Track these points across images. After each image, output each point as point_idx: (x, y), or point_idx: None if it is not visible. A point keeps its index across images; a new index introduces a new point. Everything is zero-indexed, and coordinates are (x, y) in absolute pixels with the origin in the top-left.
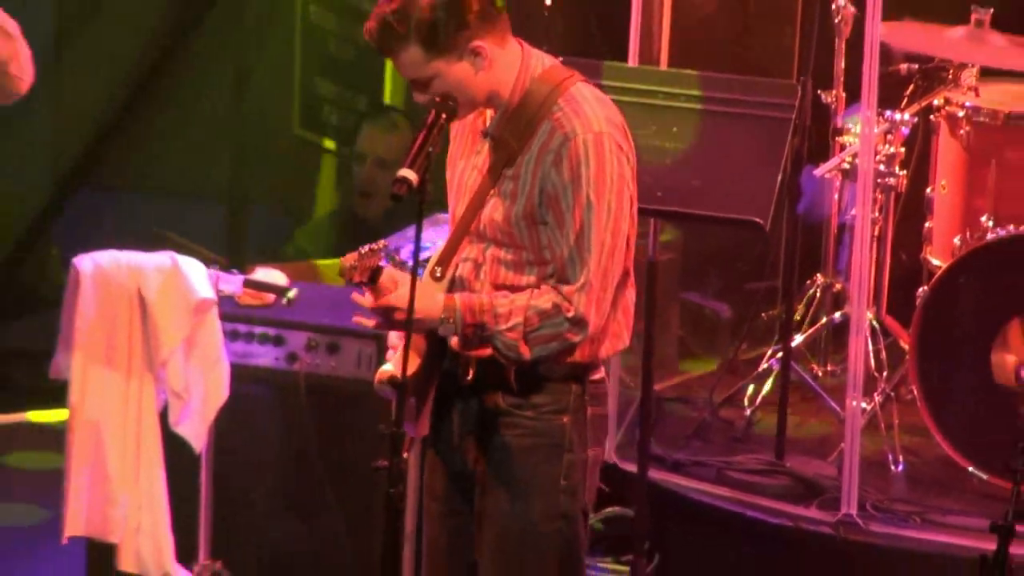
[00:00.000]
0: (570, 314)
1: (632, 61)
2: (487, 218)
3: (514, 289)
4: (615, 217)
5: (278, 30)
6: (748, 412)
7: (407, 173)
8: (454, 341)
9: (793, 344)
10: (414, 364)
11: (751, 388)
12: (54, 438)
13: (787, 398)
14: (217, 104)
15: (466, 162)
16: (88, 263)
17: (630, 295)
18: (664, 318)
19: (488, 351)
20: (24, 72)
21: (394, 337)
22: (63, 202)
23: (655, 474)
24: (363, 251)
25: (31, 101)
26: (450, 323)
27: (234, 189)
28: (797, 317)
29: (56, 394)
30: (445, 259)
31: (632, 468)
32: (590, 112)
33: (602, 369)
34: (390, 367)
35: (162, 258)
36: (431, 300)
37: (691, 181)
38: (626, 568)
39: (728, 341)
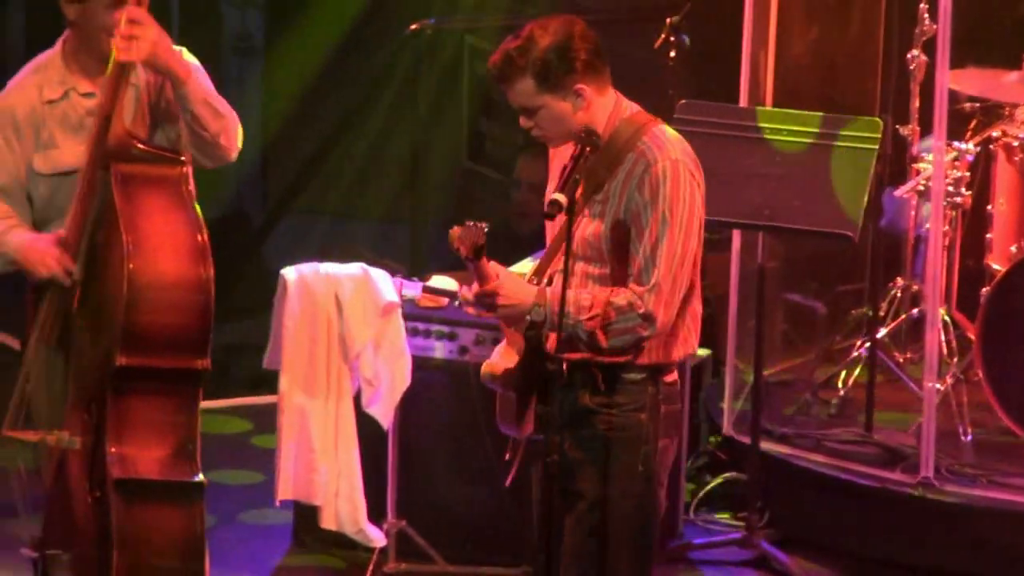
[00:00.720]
0: (641, 311)
1: (743, 103)
2: (578, 236)
3: None
4: (685, 233)
5: (450, 81)
6: (841, 393)
7: (559, 197)
8: (551, 343)
9: (878, 336)
10: (512, 360)
11: (844, 373)
12: (268, 419)
13: (874, 381)
14: (402, 141)
15: (559, 186)
16: (293, 274)
17: (697, 306)
18: (770, 315)
19: (579, 355)
20: (232, 143)
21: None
22: (273, 224)
23: (765, 445)
24: (468, 224)
25: (247, 141)
26: (541, 310)
27: (415, 211)
28: (881, 313)
29: (267, 381)
30: (540, 271)
31: (746, 440)
32: (668, 146)
33: (675, 372)
34: (495, 360)
35: (355, 269)
36: (525, 290)
37: (793, 201)
38: (742, 523)
39: (824, 334)
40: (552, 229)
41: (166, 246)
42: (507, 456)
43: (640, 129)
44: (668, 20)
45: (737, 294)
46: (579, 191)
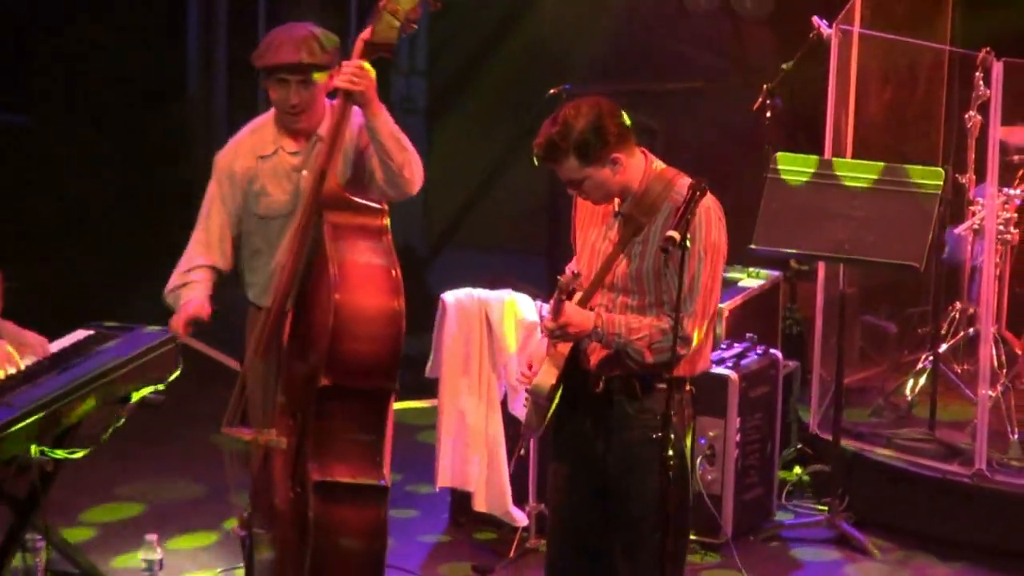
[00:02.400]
0: (681, 333)
1: (827, 155)
2: (620, 273)
3: None
4: (715, 269)
5: None
6: (909, 398)
7: (674, 233)
8: (593, 361)
9: (940, 350)
10: (553, 376)
11: (911, 382)
12: (429, 419)
13: (936, 388)
14: (540, 188)
15: (598, 233)
16: (451, 297)
17: (712, 333)
18: (850, 333)
19: (616, 371)
20: (414, 176)
21: (536, 356)
22: (435, 255)
23: (845, 441)
24: (571, 276)
25: None
26: (599, 332)
27: (550, 245)
28: (943, 332)
29: (429, 387)
30: (585, 301)
31: (828, 437)
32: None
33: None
34: (541, 378)
35: (502, 294)
36: (586, 317)
37: (868, 237)
38: (825, 507)
39: (894, 349)
40: (590, 265)
41: (366, 283)
42: (520, 452)
43: (670, 182)
44: (765, 86)
45: (822, 315)
46: (616, 234)
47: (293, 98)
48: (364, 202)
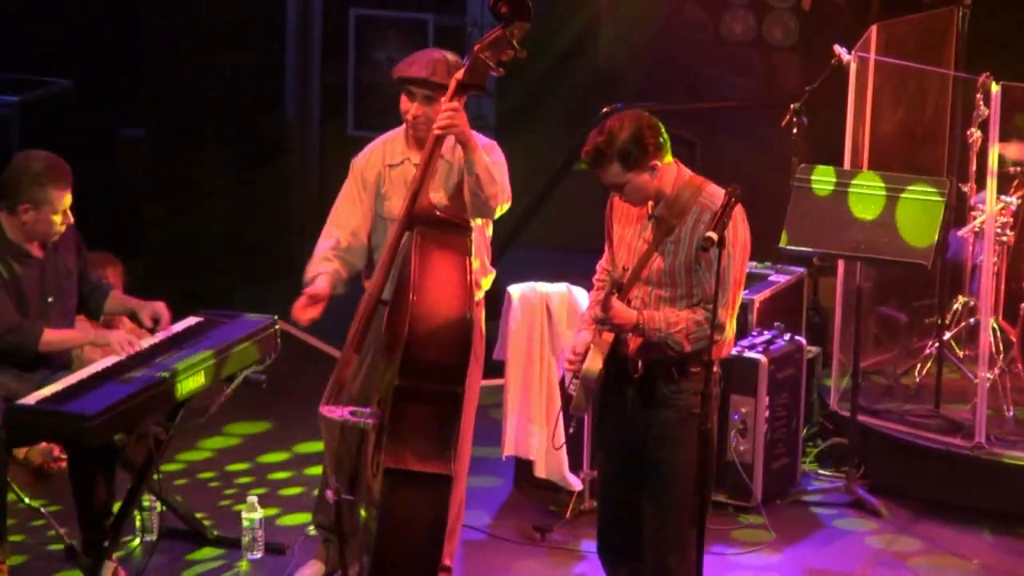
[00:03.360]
0: (716, 321)
1: (846, 165)
2: (655, 269)
3: None
4: (743, 264)
5: None
6: (917, 380)
7: (712, 234)
8: (632, 347)
9: (945, 338)
10: (599, 362)
11: (919, 365)
12: (496, 396)
13: (941, 371)
14: (593, 189)
15: (633, 232)
16: (516, 290)
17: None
18: (866, 322)
19: (654, 356)
20: (496, 206)
21: (581, 343)
22: (502, 253)
23: (861, 417)
24: (621, 271)
25: None
26: (641, 327)
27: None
28: (947, 321)
29: (497, 368)
30: (623, 294)
31: (846, 413)
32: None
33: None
34: (590, 363)
35: (560, 287)
36: (630, 314)
37: (882, 238)
38: (843, 475)
39: (905, 336)
40: (626, 262)
41: (443, 294)
42: (570, 431)
43: (699, 188)
44: (791, 106)
45: (841, 307)
46: (651, 234)
47: (415, 110)
48: (452, 221)
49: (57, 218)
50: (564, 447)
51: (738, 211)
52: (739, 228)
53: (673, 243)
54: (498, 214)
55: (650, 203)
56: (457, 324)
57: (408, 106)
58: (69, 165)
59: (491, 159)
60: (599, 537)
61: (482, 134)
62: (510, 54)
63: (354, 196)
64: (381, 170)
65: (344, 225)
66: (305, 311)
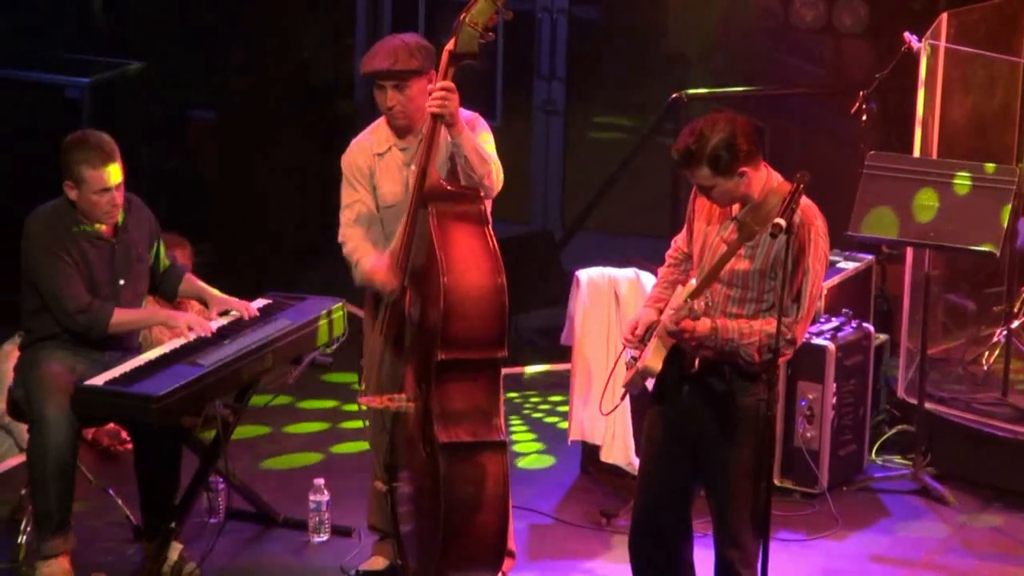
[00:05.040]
0: (788, 336)
1: (915, 154)
2: (731, 270)
3: (735, 316)
4: (819, 280)
5: None
6: (985, 367)
7: (780, 220)
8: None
9: (1013, 326)
10: (660, 359)
11: (987, 353)
12: (562, 381)
13: (1009, 359)
14: (661, 173)
15: (713, 229)
16: (584, 275)
17: None
18: (933, 309)
19: (709, 353)
20: (493, 184)
21: (643, 320)
22: (570, 237)
23: (928, 405)
24: (703, 306)
25: (551, 176)
26: (712, 337)
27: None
28: (1015, 310)
29: (563, 353)
30: (696, 294)
31: (914, 401)
32: (810, 212)
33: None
34: (651, 360)
35: (629, 272)
36: (704, 324)
37: (950, 226)
38: (910, 462)
39: (973, 324)
40: (704, 260)
41: (471, 264)
42: (617, 404)
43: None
44: (860, 93)
45: (909, 294)
46: (731, 236)
47: (389, 101)
48: (462, 191)
49: (97, 198)
50: (631, 431)
51: (817, 225)
52: (818, 245)
53: (752, 248)
54: (497, 190)
55: (736, 205)
56: (490, 291)
57: (382, 98)
58: (117, 145)
59: (477, 133)
60: (633, 528)
61: (553, 119)
62: (495, 18)
63: (355, 191)
64: (371, 161)
65: (358, 223)
66: (392, 275)
